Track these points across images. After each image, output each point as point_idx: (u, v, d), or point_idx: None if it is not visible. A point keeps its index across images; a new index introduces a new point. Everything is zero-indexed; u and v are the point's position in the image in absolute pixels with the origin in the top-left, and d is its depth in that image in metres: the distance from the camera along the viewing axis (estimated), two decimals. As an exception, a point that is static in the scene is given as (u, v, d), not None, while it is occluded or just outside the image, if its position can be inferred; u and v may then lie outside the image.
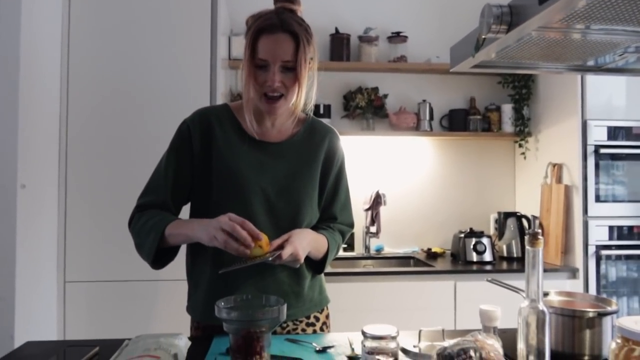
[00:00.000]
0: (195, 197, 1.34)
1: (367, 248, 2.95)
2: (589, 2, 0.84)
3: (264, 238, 1.14)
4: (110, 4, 2.32)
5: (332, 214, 1.42)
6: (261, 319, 1.01)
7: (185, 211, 1.37)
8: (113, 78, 2.33)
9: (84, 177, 2.30)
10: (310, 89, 1.30)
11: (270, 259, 1.13)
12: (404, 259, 2.92)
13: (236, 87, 2.91)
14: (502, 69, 1.38)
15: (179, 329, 1.37)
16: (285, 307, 1.05)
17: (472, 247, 2.71)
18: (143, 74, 2.34)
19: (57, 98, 2.28)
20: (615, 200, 2.58)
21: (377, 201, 2.87)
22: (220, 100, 2.39)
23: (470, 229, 2.82)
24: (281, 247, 1.18)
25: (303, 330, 1.36)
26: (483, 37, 1.04)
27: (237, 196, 1.27)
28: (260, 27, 1.21)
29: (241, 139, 1.31)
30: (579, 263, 2.55)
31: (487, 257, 2.69)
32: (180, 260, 1.36)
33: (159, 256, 1.27)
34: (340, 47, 2.95)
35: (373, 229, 2.90)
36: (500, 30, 0.98)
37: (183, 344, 1.14)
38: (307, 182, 1.33)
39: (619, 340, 0.70)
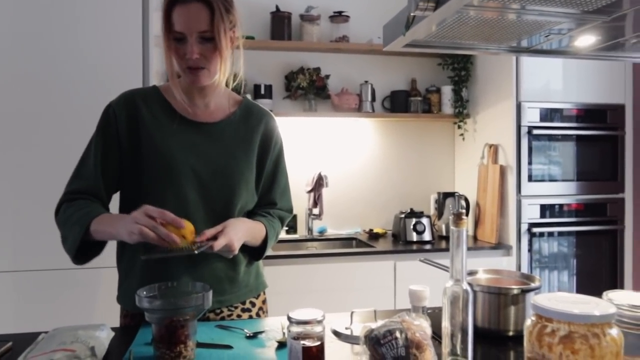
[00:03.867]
0: (125, 184, 1.28)
1: (310, 230, 2.94)
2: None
3: (187, 226, 1.08)
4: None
5: (271, 199, 1.39)
6: (185, 306, 0.97)
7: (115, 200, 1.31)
8: (34, 55, 2.16)
9: None
10: (237, 61, 1.25)
11: (196, 252, 1.07)
12: (347, 240, 2.93)
13: (172, 65, 2.79)
14: (436, 48, 1.37)
15: (109, 319, 1.31)
16: (210, 293, 1.01)
17: (412, 227, 2.75)
18: (67, 52, 2.19)
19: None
20: (546, 179, 2.69)
21: (319, 183, 2.86)
22: (154, 80, 2.27)
23: (411, 209, 2.86)
24: (214, 237, 1.13)
25: (239, 316, 1.33)
26: (412, 14, 1.02)
27: (167, 179, 1.22)
28: None
29: (171, 120, 1.26)
30: (512, 240, 2.65)
31: (427, 236, 2.75)
32: (111, 246, 1.29)
33: (84, 251, 1.19)
34: (281, 25, 2.88)
35: (316, 211, 2.89)
36: (428, 8, 0.97)
37: (105, 335, 1.08)
38: (242, 164, 1.29)
39: (533, 318, 0.71)
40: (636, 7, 1.02)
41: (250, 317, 1.34)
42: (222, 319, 1.30)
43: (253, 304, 1.36)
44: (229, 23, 1.19)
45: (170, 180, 1.22)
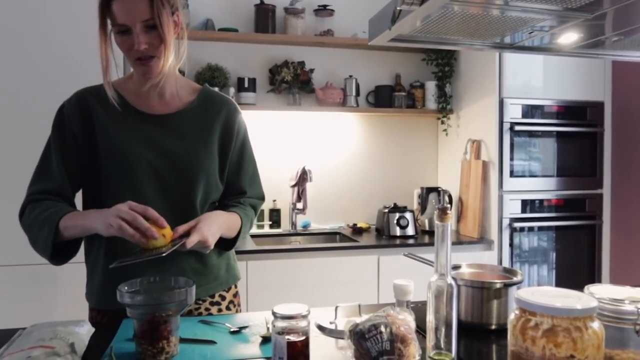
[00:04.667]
0: (86, 182, 1.26)
1: (293, 224, 2.93)
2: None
3: (167, 227, 1.06)
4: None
5: (240, 188, 1.37)
6: (167, 302, 0.96)
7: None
8: (9, 51, 2.11)
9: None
10: (182, 44, 1.23)
11: (164, 254, 1.03)
12: (331, 235, 2.93)
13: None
14: (421, 43, 1.37)
15: (81, 314, 1.29)
16: (194, 288, 1.00)
17: (395, 221, 2.76)
18: (45, 47, 2.14)
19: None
20: (527, 175, 2.72)
21: (303, 177, 2.85)
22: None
23: (394, 204, 2.87)
24: (187, 233, 1.11)
25: (207, 309, 1.31)
26: (398, 8, 1.02)
27: (124, 174, 1.20)
28: None
29: (125, 114, 1.24)
30: (494, 235, 2.68)
31: (410, 231, 2.76)
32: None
33: (58, 251, 1.17)
34: (265, 18, 2.86)
35: (299, 205, 2.88)
36: (414, 2, 0.96)
37: (85, 331, 1.06)
38: (202, 154, 1.27)
39: (517, 312, 0.72)
40: (616, 6, 1.03)
41: (220, 310, 1.32)
42: (189, 312, 1.28)
43: (223, 298, 1.34)
44: (170, 7, 1.17)
45: (127, 175, 1.20)
